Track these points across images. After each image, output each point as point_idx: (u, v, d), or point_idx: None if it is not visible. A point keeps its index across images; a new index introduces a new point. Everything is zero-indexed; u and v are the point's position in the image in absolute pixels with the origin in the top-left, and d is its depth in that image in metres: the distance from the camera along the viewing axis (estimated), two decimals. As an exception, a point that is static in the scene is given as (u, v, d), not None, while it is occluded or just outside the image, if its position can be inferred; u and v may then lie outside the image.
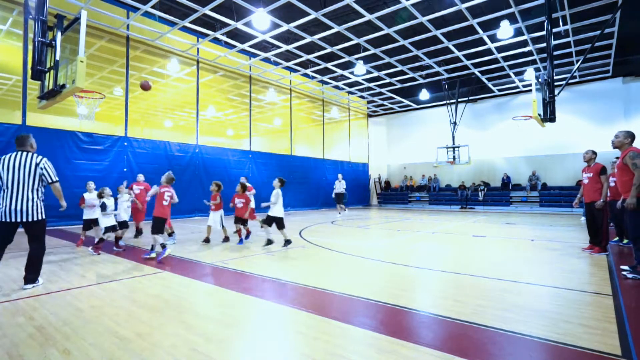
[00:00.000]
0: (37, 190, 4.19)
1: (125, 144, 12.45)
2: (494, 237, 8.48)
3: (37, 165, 4.15)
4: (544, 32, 11.89)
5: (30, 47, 7.68)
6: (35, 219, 4.12)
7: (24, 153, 4.18)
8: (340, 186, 15.60)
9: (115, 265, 5.45)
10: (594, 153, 6.47)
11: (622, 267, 4.92)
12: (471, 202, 20.42)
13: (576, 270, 5.03)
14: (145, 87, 7.42)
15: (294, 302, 3.61)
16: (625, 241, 7.22)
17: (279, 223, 6.98)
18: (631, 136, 5.02)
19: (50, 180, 4.25)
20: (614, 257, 5.98)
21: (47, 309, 3.43)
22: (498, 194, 19.84)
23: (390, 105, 23.59)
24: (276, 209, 6.98)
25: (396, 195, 23.93)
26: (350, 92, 21.17)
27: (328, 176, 21.54)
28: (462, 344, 2.64)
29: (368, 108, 24.68)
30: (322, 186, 20.98)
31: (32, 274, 4.16)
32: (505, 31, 12.03)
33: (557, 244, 7.39)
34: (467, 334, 2.82)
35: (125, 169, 12.29)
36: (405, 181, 23.99)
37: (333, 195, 15.83)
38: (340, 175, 16.04)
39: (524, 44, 13.89)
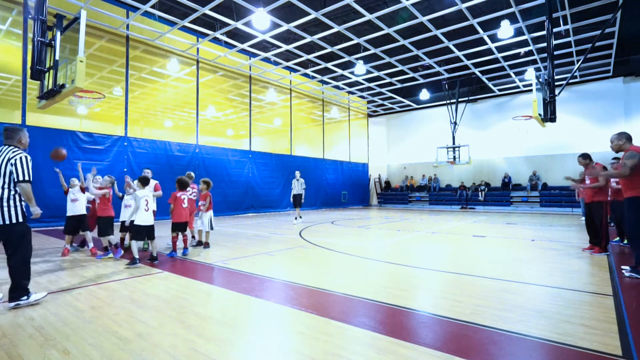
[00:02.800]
0: (9, 189, 3.56)
1: (126, 143, 12.45)
2: (494, 237, 8.47)
3: (8, 160, 3.57)
4: (544, 32, 11.88)
5: (29, 46, 7.70)
6: (3, 222, 3.51)
7: (6, 147, 3.67)
8: (298, 186, 12.61)
9: (115, 266, 5.44)
10: (585, 157, 6.56)
11: (623, 267, 4.92)
12: (471, 202, 20.42)
13: (576, 270, 5.03)
14: (57, 156, 5.44)
15: (294, 302, 3.61)
16: (626, 241, 7.21)
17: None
18: (625, 136, 4.98)
19: (16, 179, 3.55)
20: (614, 257, 5.98)
21: (47, 309, 3.42)
22: (498, 194, 19.84)
23: (391, 105, 23.59)
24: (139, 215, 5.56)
25: (396, 195, 23.92)
26: (350, 92, 21.17)
27: (328, 176, 21.56)
28: (461, 344, 2.64)
29: (368, 108, 24.67)
30: (322, 186, 21.00)
31: (12, 291, 3.53)
32: (506, 31, 12.03)
33: (557, 244, 7.38)
34: (467, 334, 2.81)
35: (125, 169, 12.29)
36: (406, 181, 23.99)
37: (291, 198, 12.89)
38: (298, 173, 12.81)
39: (524, 43, 13.88)
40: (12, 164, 3.56)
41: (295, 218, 12.46)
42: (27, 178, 3.59)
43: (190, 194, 6.92)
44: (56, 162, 5.84)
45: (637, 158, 4.68)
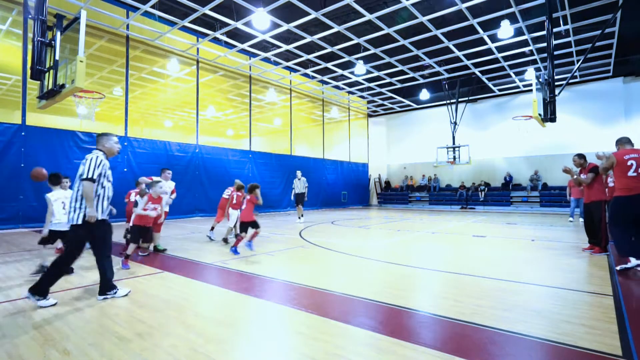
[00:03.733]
0: (77, 189, 3.61)
1: (126, 143, 12.44)
2: (494, 237, 8.47)
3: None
4: (544, 32, 11.88)
5: (29, 46, 7.70)
6: (70, 222, 3.63)
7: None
8: (300, 185, 12.74)
9: (115, 266, 5.43)
10: (581, 157, 6.62)
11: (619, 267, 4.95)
12: (471, 202, 20.41)
13: (576, 270, 5.03)
14: (38, 176, 5.01)
15: (294, 302, 3.61)
16: None
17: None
18: (620, 142, 5.33)
19: (81, 175, 3.57)
20: (614, 257, 5.97)
21: (47, 309, 3.42)
22: (498, 194, 19.84)
23: (391, 105, 23.59)
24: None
25: (396, 195, 23.92)
26: (350, 92, 21.17)
27: (328, 176, 21.56)
28: (461, 344, 2.64)
29: (368, 108, 24.67)
30: (322, 186, 20.99)
31: (34, 286, 3.48)
32: (506, 31, 12.02)
33: (557, 243, 7.39)
34: (467, 334, 2.81)
35: (125, 169, 12.29)
36: (405, 181, 23.99)
37: (292, 197, 13.17)
38: (299, 173, 12.98)
39: (524, 43, 13.88)
40: (82, 163, 3.63)
41: (299, 217, 12.78)
42: (87, 175, 3.55)
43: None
44: (38, 182, 5.31)
45: (609, 161, 5.11)
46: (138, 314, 3.28)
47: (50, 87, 5.09)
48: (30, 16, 5.31)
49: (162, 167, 13.13)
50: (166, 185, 6.82)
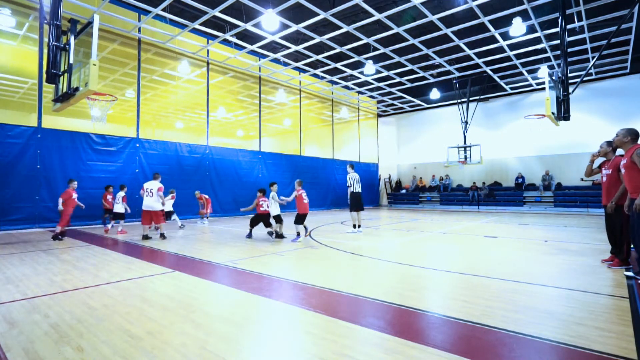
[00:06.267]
0: None
1: (137, 145, 12.64)
2: (505, 238, 8.35)
3: None
4: (557, 29, 11.66)
5: (45, 51, 7.88)
6: None
7: None
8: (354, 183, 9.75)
9: (127, 265, 5.54)
10: (610, 144, 5.37)
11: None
12: (483, 203, 20.15)
13: (591, 271, 4.92)
14: None
15: (303, 303, 3.62)
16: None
17: None
18: (632, 134, 4.72)
19: None
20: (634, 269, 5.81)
21: (62, 307, 3.51)
22: (511, 194, 19.54)
23: (400, 105, 23.44)
24: None
25: (407, 195, 23.77)
26: (359, 92, 21.11)
27: (337, 176, 21.54)
28: (471, 345, 2.61)
29: (378, 108, 24.57)
30: (331, 186, 20.99)
31: None
32: (518, 28, 11.83)
33: (571, 244, 7.24)
34: (476, 336, 2.78)
35: (137, 170, 12.49)
36: (415, 181, 23.82)
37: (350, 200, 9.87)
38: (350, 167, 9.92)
39: (537, 41, 13.65)
40: None
41: (354, 226, 9.56)
42: None
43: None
44: None
45: None
46: (149, 313, 3.34)
47: (64, 90, 5.21)
48: (45, 21, 5.44)
49: (173, 168, 13.40)
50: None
